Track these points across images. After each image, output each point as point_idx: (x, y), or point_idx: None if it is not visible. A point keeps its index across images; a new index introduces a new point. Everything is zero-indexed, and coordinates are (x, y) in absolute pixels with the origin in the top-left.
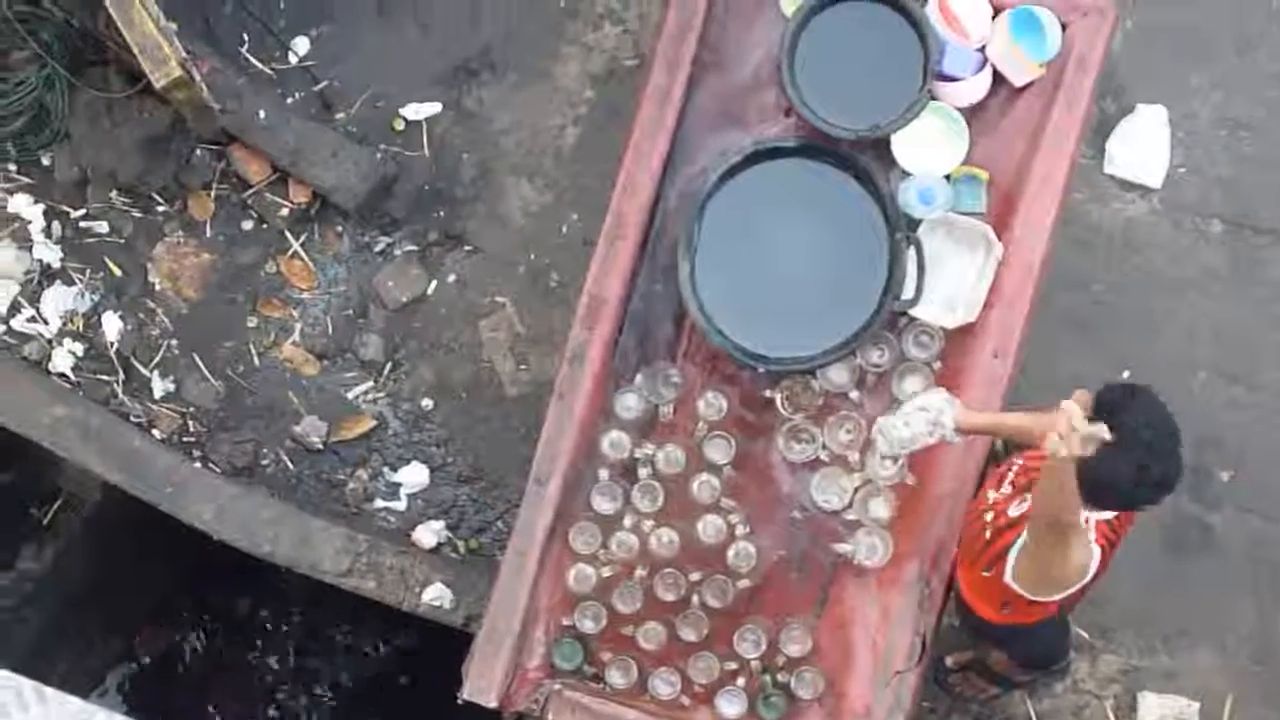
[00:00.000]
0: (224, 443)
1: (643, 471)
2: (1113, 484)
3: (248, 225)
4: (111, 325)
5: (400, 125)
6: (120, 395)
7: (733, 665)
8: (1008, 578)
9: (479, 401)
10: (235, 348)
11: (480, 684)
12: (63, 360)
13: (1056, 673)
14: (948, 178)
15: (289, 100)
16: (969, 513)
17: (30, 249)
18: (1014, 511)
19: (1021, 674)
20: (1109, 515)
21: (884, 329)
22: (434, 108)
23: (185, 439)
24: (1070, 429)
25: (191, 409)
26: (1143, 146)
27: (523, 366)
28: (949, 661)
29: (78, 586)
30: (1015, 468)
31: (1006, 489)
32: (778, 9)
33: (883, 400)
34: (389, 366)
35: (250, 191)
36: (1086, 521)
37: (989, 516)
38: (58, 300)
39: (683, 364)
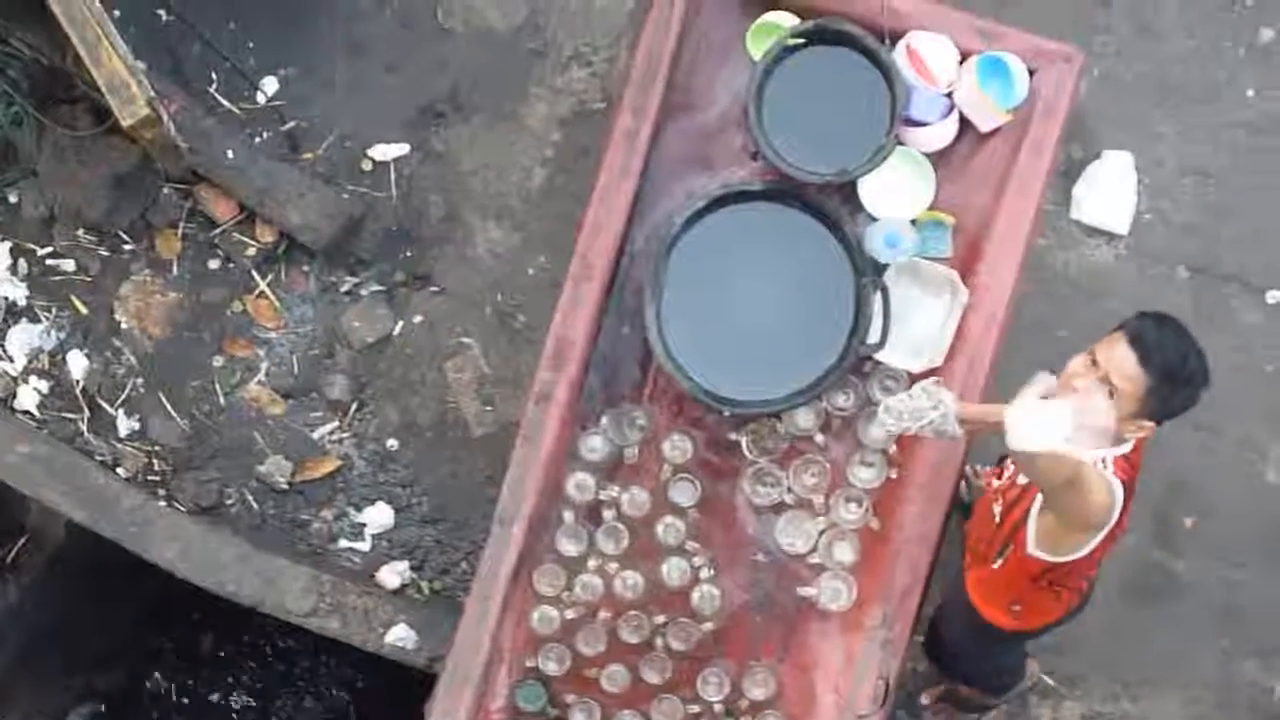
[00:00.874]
0: (189, 482)
1: (607, 514)
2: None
3: (214, 264)
4: (77, 363)
5: (368, 166)
6: (86, 433)
7: (696, 708)
8: (1030, 549)
9: (444, 442)
10: (201, 387)
11: None
12: (28, 398)
13: (1019, 692)
14: (914, 223)
15: (257, 140)
16: (977, 519)
17: None
18: (1021, 480)
19: (993, 698)
20: (1126, 448)
21: (850, 373)
22: (402, 149)
23: (150, 478)
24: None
25: (157, 448)
26: (1109, 193)
27: (488, 407)
28: (924, 699)
29: (41, 624)
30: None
31: (1010, 471)
32: (745, 53)
33: (847, 444)
34: (354, 406)
35: (217, 231)
36: (1104, 461)
37: (996, 506)
38: (23, 338)
39: (648, 406)
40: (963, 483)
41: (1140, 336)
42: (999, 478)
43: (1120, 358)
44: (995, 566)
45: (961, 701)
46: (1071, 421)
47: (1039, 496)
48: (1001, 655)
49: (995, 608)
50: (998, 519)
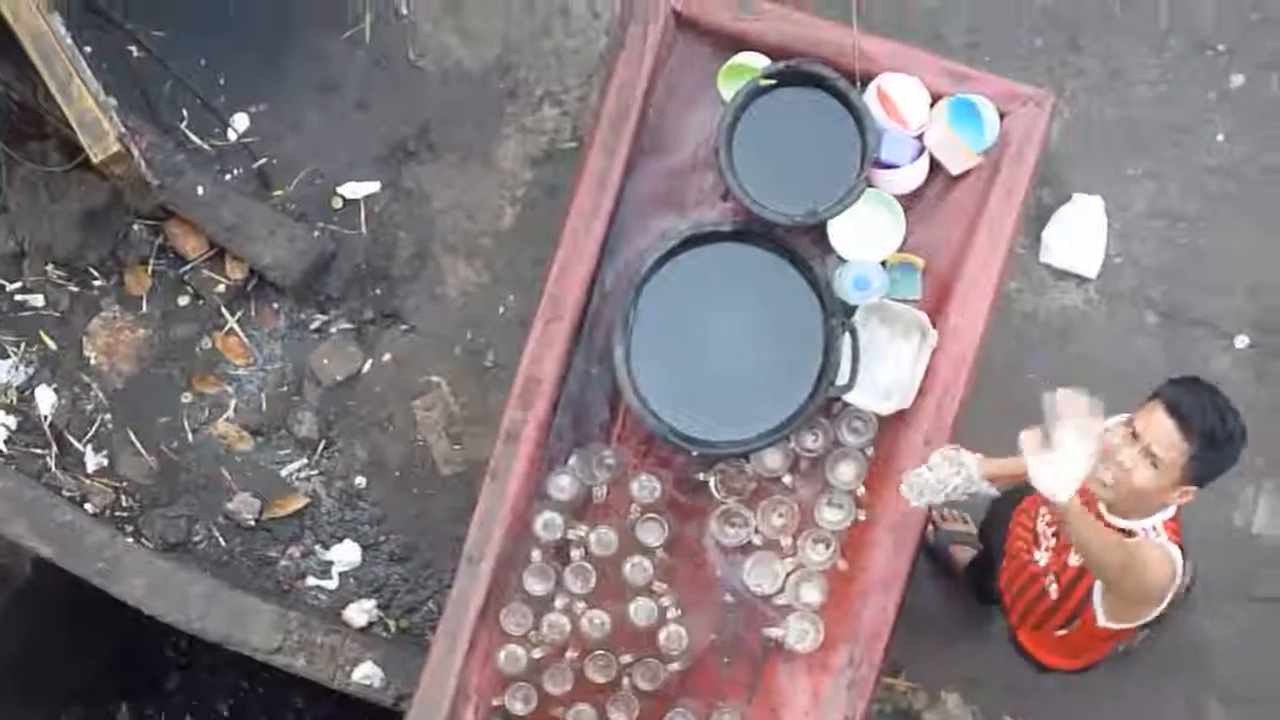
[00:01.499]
0: (157, 518)
1: (575, 553)
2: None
3: (184, 301)
4: (45, 399)
5: (338, 203)
6: (53, 469)
7: None
8: (1103, 622)
9: (412, 481)
10: (169, 423)
11: None
12: None
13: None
14: (884, 264)
15: (227, 177)
16: (1014, 579)
17: None
18: (1074, 561)
19: None
20: (1169, 513)
21: (818, 414)
22: (372, 186)
23: (118, 514)
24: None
25: (125, 484)
26: (1079, 236)
27: (457, 446)
28: None
29: (7, 660)
30: (1043, 521)
31: (1050, 541)
32: (716, 93)
33: (816, 485)
34: (323, 444)
35: (187, 267)
36: (1153, 530)
37: (1049, 581)
38: None
39: (617, 446)
40: (929, 525)
41: (1177, 405)
42: (1036, 547)
43: (1160, 428)
44: (1060, 634)
45: None
46: (1090, 451)
47: (1097, 581)
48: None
49: (1066, 659)
50: (1055, 597)
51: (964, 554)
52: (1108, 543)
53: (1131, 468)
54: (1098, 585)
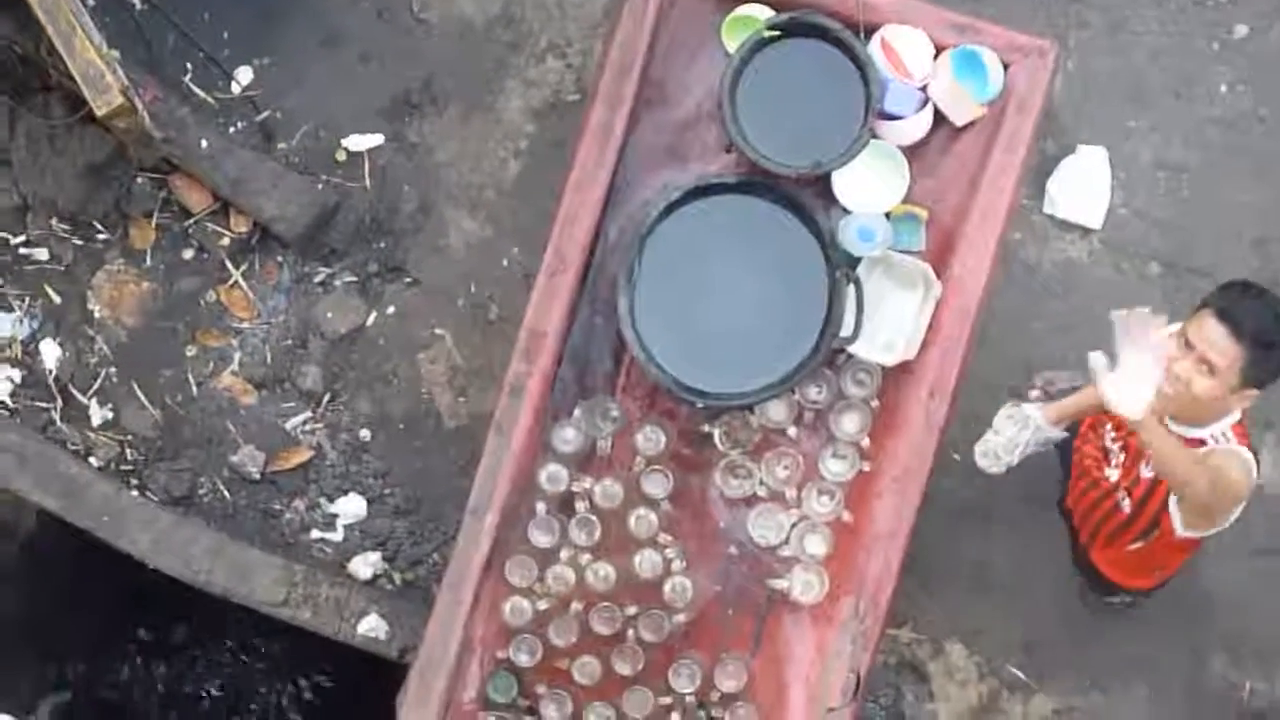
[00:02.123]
0: (161, 471)
1: (580, 505)
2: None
3: (188, 254)
4: (50, 352)
5: (342, 156)
6: (58, 422)
7: (667, 700)
8: (1181, 532)
9: (417, 433)
10: (174, 376)
11: (415, 716)
12: (0, 387)
13: None
14: (888, 216)
15: (231, 130)
16: (1084, 497)
17: None
18: (1147, 473)
19: None
20: (1235, 418)
21: (823, 366)
22: (376, 139)
23: (123, 467)
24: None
25: (129, 437)
26: (1083, 188)
27: (461, 399)
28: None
29: (12, 614)
30: (1109, 438)
31: (1120, 457)
32: (720, 45)
33: (820, 437)
34: (327, 397)
35: (191, 221)
36: (1221, 437)
37: (1121, 496)
38: None
39: (622, 398)
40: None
41: (1228, 310)
42: (1107, 464)
43: (1213, 335)
44: (1135, 548)
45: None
46: (1158, 366)
47: (1173, 493)
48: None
49: (1138, 577)
50: (1129, 511)
51: None
52: (1188, 457)
53: (1189, 378)
54: (1173, 496)
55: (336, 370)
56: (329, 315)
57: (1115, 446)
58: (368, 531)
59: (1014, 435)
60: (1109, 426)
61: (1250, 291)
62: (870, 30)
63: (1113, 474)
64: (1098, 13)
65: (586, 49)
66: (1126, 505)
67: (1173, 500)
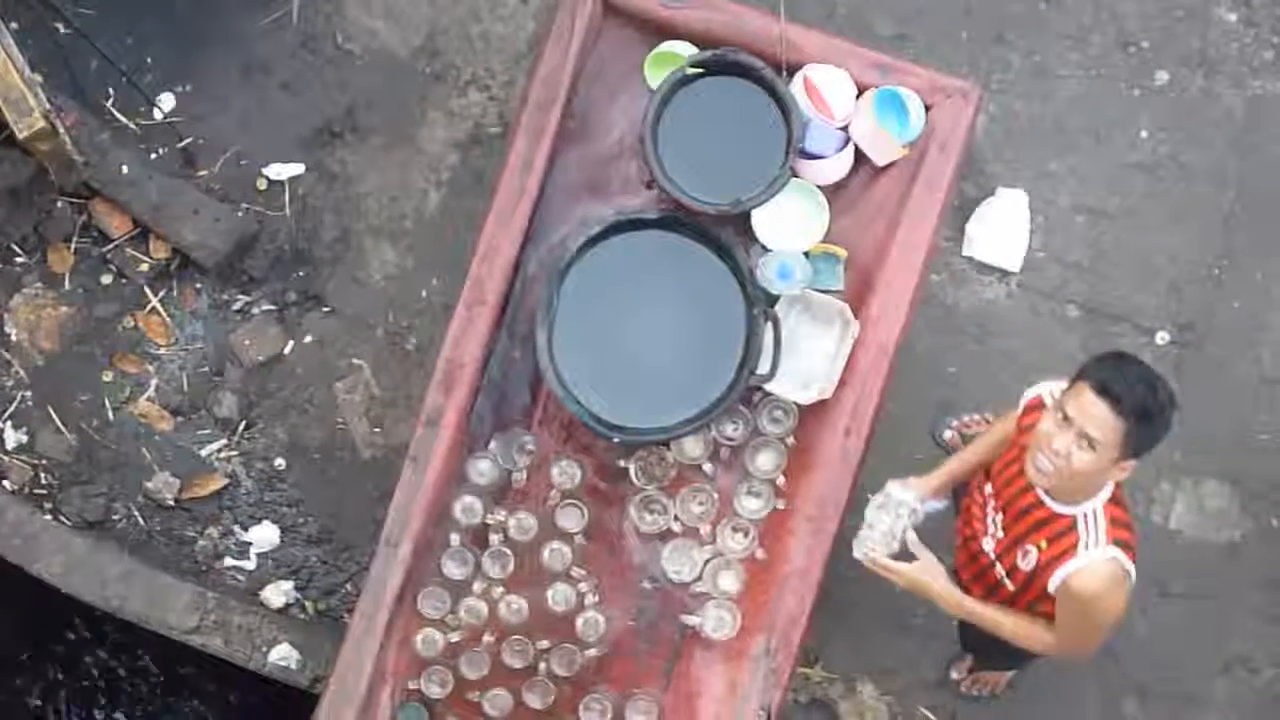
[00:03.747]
0: (76, 496)
1: (494, 538)
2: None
3: (107, 279)
4: None
5: (263, 184)
6: None
7: None
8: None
9: (332, 463)
10: (90, 401)
11: None
12: None
13: None
14: (807, 255)
15: (152, 156)
16: (966, 566)
17: None
18: (1024, 566)
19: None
20: (1109, 492)
21: (739, 403)
22: (297, 168)
23: (37, 491)
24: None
25: (44, 461)
26: (1002, 230)
27: (377, 429)
28: (954, 675)
29: None
30: (990, 504)
31: (997, 532)
32: (643, 81)
33: (735, 474)
34: (243, 425)
35: (110, 246)
36: (1094, 513)
37: (1001, 574)
38: None
39: (538, 431)
40: None
41: (1107, 385)
42: (984, 531)
43: (1093, 410)
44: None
45: (996, 662)
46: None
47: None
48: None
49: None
50: (1012, 589)
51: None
52: (1037, 630)
53: (1068, 452)
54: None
55: (253, 398)
56: (246, 343)
57: (992, 514)
58: (281, 560)
59: (890, 525)
60: (989, 491)
61: (1126, 362)
62: (793, 69)
63: (988, 544)
64: (1020, 55)
65: (509, 81)
66: (1009, 584)
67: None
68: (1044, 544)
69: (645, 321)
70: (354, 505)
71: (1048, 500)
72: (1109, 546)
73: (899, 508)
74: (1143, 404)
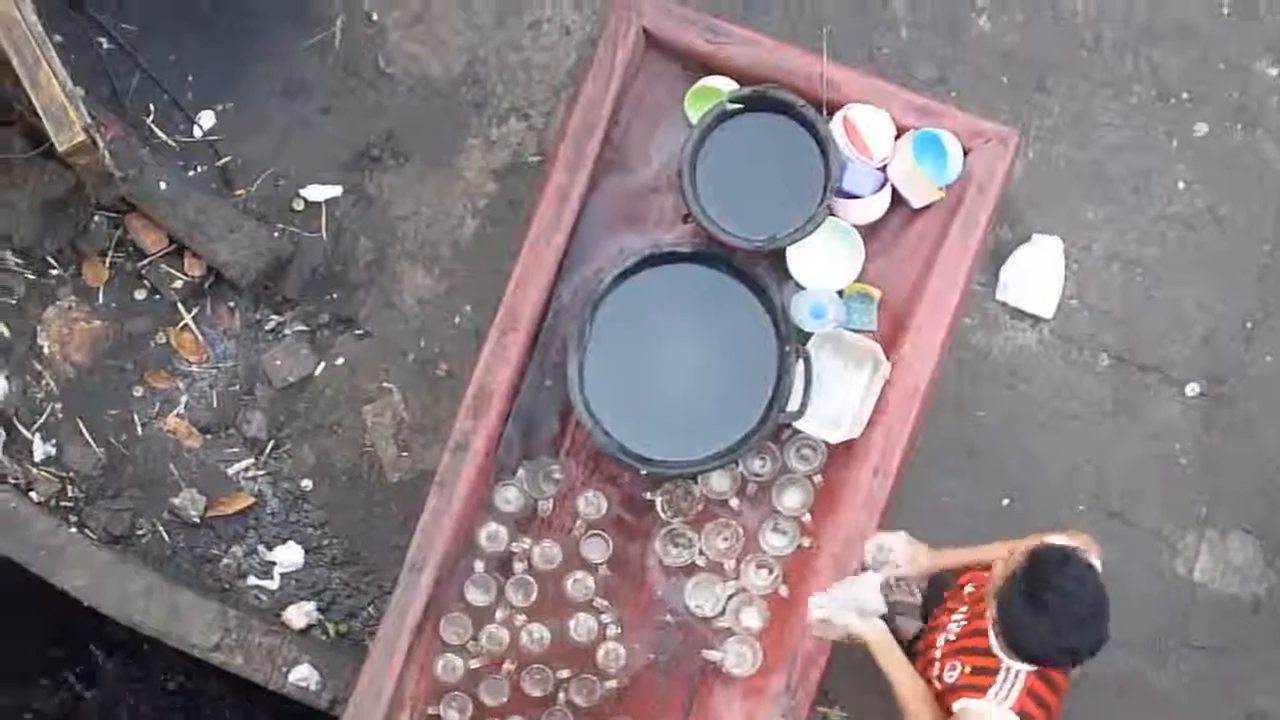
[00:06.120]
0: (102, 510)
1: (518, 566)
2: (1023, 641)
3: (141, 295)
4: None
5: (300, 205)
6: (1, 456)
7: None
8: None
9: (359, 486)
10: (120, 416)
11: None
12: None
13: None
14: (840, 294)
15: (190, 173)
16: (929, 631)
17: None
18: (949, 677)
19: None
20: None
21: (768, 439)
22: (334, 190)
23: (63, 504)
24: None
25: (71, 474)
26: (1036, 276)
27: (405, 454)
28: None
29: None
30: (963, 606)
31: (951, 635)
32: (683, 114)
33: (761, 510)
34: (271, 445)
35: (145, 261)
36: (1014, 677)
37: (937, 668)
38: None
39: (566, 461)
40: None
41: (1079, 657)
42: (955, 608)
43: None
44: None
45: None
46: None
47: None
48: None
49: None
50: (936, 689)
51: (908, 626)
52: (921, 695)
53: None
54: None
55: (282, 419)
56: (277, 363)
57: (957, 621)
58: (304, 581)
59: (855, 596)
60: (968, 592)
61: (1072, 602)
62: (833, 108)
63: (941, 640)
64: (1060, 102)
65: (549, 111)
66: (935, 683)
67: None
68: (969, 669)
69: (676, 354)
70: (379, 529)
71: (993, 635)
72: (1009, 711)
73: (884, 564)
74: (1095, 650)
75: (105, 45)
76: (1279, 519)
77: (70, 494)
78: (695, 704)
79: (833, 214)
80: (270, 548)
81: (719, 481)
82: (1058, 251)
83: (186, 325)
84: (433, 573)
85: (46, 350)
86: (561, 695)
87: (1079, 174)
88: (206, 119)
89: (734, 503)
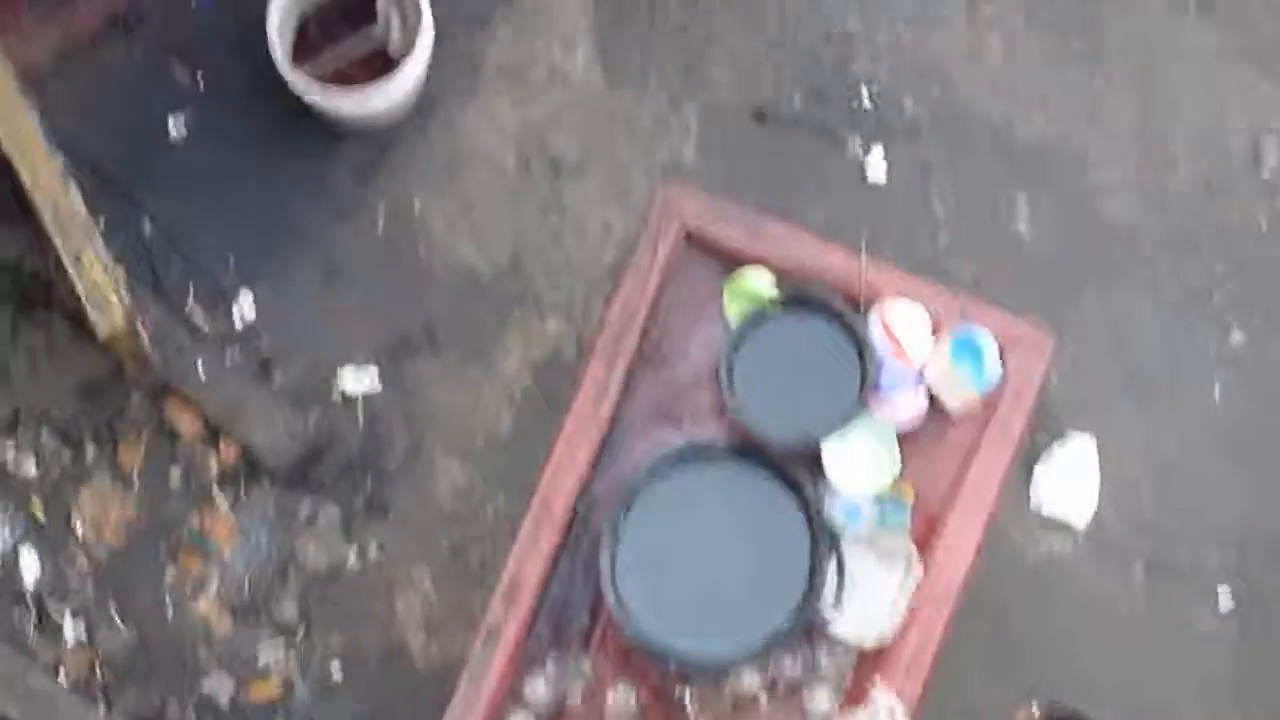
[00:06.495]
0: (130, 692)
1: None
2: None
3: (175, 477)
4: (29, 566)
5: (336, 393)
6: (30, 634)
7: None
8: None
9: (389, 674)
10: (151, 598)
11: None
12: None
13: None
14: (875, 495)
15: (228, 358)
16: None
17: None
18: None
19: None
20: None
21: (798, 638)
22: (371, 378)
23: (92, 685)
24: None
25: (101, 655)
26: (1070, 480)
27: (435, 643)
28: None
29: None
30: None
31: None
32: (720, 310)
33: (791, 710)
34: (303, 632)
35: (181, 444)
36: None
37: None
38: None
39: (595, 654)
40: None
41: None
42: None
43: None
44: None
45: None
46: None
47: None
48: None
49: None
50: None
51: None
52: None
53: None
54: None
55: (314, 605)
56: (310, 549)
57: None
58: None
59: None
60: None
61: None
62: (870, 305)
63: None
64: (1095, 306)
65: (590, 307)
66: None
67: None
68: None
69: (710, 550)
70: (409, 718)
71: None
72: None
73: None
74: None
75: (147, 228)
76: None
77: (100, 676)
78: None
79: (869, 413)
80: None
81: (749, 679)
82: (1092, 455)
83: (220, 510)
84: None
85: (80, 531)
86: None
87: (1116, 377)
88: (245, 303)
89: (763, 700)
